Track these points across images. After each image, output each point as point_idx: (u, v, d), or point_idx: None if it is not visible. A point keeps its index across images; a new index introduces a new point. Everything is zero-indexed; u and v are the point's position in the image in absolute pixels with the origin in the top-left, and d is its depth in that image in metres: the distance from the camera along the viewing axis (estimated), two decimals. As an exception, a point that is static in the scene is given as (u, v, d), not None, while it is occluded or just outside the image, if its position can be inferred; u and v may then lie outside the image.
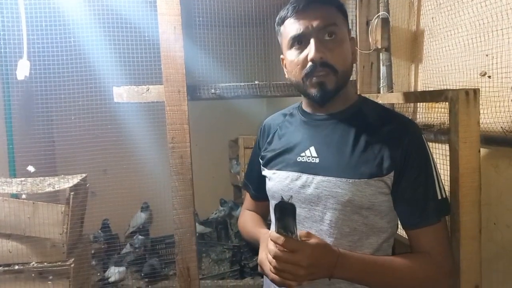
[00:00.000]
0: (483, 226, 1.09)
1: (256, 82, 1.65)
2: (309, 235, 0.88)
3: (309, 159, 1.01)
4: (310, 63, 0.94)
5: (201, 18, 1.76)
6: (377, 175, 0.94)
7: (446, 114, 1.36)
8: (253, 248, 1.37)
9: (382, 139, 0.96)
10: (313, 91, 0.97)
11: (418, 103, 1.65)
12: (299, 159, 1.03)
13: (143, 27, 1.64)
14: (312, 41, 0.94)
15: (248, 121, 3.50)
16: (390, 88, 1.71)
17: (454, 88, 1.13)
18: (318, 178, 0.98)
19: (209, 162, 4.03)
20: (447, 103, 1.15)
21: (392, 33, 1.70)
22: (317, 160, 1.00)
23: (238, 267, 3.16)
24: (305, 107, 1.09)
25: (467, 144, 1.07)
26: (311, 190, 0.99)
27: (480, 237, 1.07)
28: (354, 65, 1.18)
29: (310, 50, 0.94)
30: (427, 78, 1.63)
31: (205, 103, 2.98)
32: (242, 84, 1.64)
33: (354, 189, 0.94)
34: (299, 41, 0.97)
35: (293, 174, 1.02)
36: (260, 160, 1.16)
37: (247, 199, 1.31)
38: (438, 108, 1.48)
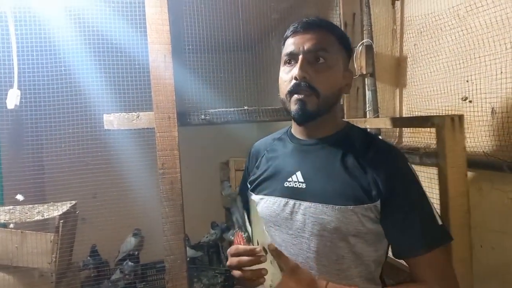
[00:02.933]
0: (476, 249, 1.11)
1: (246, 108, 1.67)
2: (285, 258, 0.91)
3: (296, 184, 1.01)
4: (293, 81, 0.97)
5: (190, 45, 1.80)
6: (363, 202, 0.93)
7: (431, 137, 1.40)
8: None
9: (367, 166, 0.96)
10: (294, 109, 0.99)
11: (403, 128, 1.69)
12: (286, 184, 1.02)
13: (133, 55, 1.67)
14: (299, 61, 0.97)
15: (239, 144, 3.51)
16: (376, 112, 1.75)
17: (439, 115, 1.16)
18: (305, 204, 0.98)
19: (200, 184, 4.02)
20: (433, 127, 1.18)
21: (376, 59, 1.75)
22: (303, 186, 1.00)
23: (230, 292, 3.11)
24: (294, 131, 1.10)
25: (455, 169, 1.10)
26: (299, 217, 0.98)
27: (471, 259, 1.08)
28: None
29: (296, 69, 0.96)
30: (412, 103, 1.67)
31: (195, 127, 3.02)
32: (232, 109, 1.66)
33: (341, 216, 0.94)
34: (290, 60, 1.00)
35: (280, 200, 1.02)
36: (248, 185, 1.16)
37: None
38: (423, 132, 1.51)
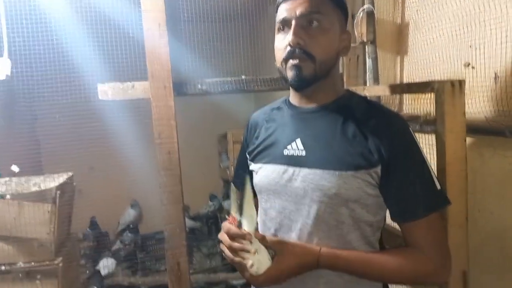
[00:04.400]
0: (468, 214, 1.11)
1: (243, 77, 1.64)
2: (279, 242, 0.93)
3: (295, 152, 1.00)
4: (288, 48, 0.95)
5: (186, 14, 1.74)
6: (364, 168, 0.93)
7: (432, 105, 1.38)
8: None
9: (369, 132, 0.96)
10: (290, 75, 0.97)
11: (404, 95, 1.66)
12: (285, 152, 1.02)
13: (127, 24, 1.62)
14: (292, 26, 0.94)
15: (236, 116, 3.49)
16: (376, 80, 1.72)
17: (440, 80, 1.14)
18: (305, 171, 0.97)
19: (199, 157, 4.02)
20: (432, 94, 1.16)
21: (377, 26, 1.70)
22: (303, 153, 0.99)
23: (229, 261, 3.16)
24: (292, 100, 1.09)
25: (453, 134, 1.09)
26: (298, 184, 0.98)
27: (467, 225, 1.09)
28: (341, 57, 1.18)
29: (289, 35, 0.94)
30: (413, 70, 1.64)
31: (192, 99, 2.97)
32: (229, 79, 1.62)
33: (341, 181, 0.93)
34: (283, 27, 0.98)
35: (279, 168, 1.02)
36: (247, 155, 1.16)
37: (232, 194, 1.30)
38: (423, 99, 1.49)
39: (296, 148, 1.01)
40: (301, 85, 0.99)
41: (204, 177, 4.08)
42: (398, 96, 1.68)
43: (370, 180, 0.94)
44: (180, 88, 1.57)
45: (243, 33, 2.07)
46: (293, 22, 0.94)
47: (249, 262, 0.91)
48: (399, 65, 1.74)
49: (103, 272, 2.79)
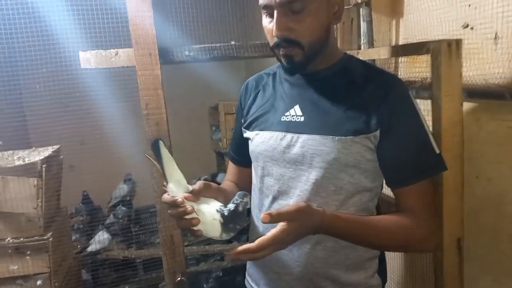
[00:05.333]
0: (465, 180, 1.08)
1: (233, 43, 1.57)
2: (277, 215, 0.84)
3: (293, 118, 0.99)
4: (275, 38, 0.92)
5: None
6: (363, 132, 0.92)
7: (428, 69, 1.34)
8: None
9: (368, 96, 0.94)
10: (283, 61, 0.96)
11: (400, 59, 1.61)
12: (283, 118, 1.00)
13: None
14: (275, 15, 0.90)
15: (227, 87, 3.42)
16: (371, 45, 1.66)
17: (435, 40, 1.09)
18: (304, 136, 0.96)
19: (190, 130, 3.97)
20: (429, 57, 1.11)
21: (372, -13, 1.63)
22: (302, 119, 0.98)
23: (224, 233, 3.17)
24: None
25: (449, 98, 1.05)
26: (296, 150, 0.97)
27: (463, 191, 1.07)
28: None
29: (273, 26, 0.90)
30: (409, 33, 1.58)
31: (180, 70, 2.88)
32: (218, 45, 1.55)
33: (340, 146, 0.92)
34: (266, 12, 0.94)
35: (277, 134, 1.00)
36: (242, 121, 1.13)
37: (230, 168, 1.26)
38: (420, 62, 1.44)
39: (295, 114, 0.99)
40: (295, 71, 0.98)
41: (196, 150, 4.04)
42: (393, 61, 1.62)
43: (369, 144, 0.93)
44: (166, 55, 1.50)
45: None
46: (275, 12, 0.90)
47: (196, 222, 0.86)
48: (394, 28, 1.68)
49: (98, 246, 2.77)
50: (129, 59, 1.43)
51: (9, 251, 1.61)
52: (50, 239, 1.65)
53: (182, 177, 0.92)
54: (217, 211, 0.88)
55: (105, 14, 1.51)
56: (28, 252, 1.62)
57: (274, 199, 1.02)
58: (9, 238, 1.64)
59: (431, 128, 1.06)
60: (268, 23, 0.94)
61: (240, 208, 0.89)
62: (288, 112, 1.00)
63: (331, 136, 0.93)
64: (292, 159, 0.97)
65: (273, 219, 0.83)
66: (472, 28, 1.27)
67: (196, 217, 0.85)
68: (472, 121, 1.22)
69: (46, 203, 1.63)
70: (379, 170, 0.97)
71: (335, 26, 1.56)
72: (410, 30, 1.57)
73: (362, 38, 1.65)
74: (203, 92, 3.95)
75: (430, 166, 0.95)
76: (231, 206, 0.88)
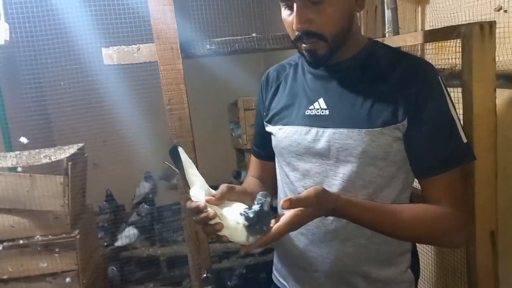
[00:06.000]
0: (501, 171, 1.03)
1: (254, 35, 1.55)
2: (292, 201, 0.80)
3: (318, 112, 0.95)
4: (296, 32, 0.88)
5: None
6: (391, 123, 0.88)
7: (457, 55, 1.28)
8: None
9: (395, 83, 0.90)
10: (306, 55, 0.92)
11: (426, 46, 1.55)
12: (307, 112, 0.97)
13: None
14: (294, 8, 0.86)
15: (246, 82, 3.40)
16: (396, 33, 1.61)
17: (466, 23, 1.04)
18: (329, 130, 0.92)
19: (209, 127, 3.95)
20: (458, 41, 1.07)
21: (396, -27, 1.58)
22: (327, 112, 0.94)
23: (247, 229, 3.16)
24: None
25: (481, 83, 0.99)
26: (322, 144, 0.93)
27: (496, 182, 1.01)
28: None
29: (294, 19, 0.87)
30: (435, 20, 1.52)
31: (199, 67, 2.88)
32: (239, 37, 1.54)
33: (368, 139, 0.88)
34: (285, 4, 0.90)
35: (301, 128, 0.96)
36: (264, 114, 1.09)
37: (252, 162, 1.21)
38: (448, 47, 1.38)
39: (319, 107, 0.95)
40: (319, 65, 0.95)
41: (216, 147, 4.04)
42: (418, 48, 1.57)
43: (398, 134, 0.89)
44: (188, 49, 1.49)
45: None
46: (295, 5, 0.86)
47: (220, 227, 0.82)
48: (420, 15, 1.62)
49: (125, 241, 2.80)
50: (151, 54, 1.43)
51: (38, 248, 1.63)
52: (78, 236, 1.67)
53: (204, 182, 0.89)
54: (241, 214, 0.84)
55: (126, 9, 1.51)
56: (57, 250, 1.65)
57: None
58: (38, 236, 1.66)
59: (461, 117, 1.01)
60: (288, 16, 0.90)
61: (266, 208, 0.84)
62: (312, 106, 0.97)
63: (358, 129, 0.89)
64: (317, 154, 0.94)
65: (293, 204, 0.80)
66: (506, 11, 1.21)
67: (220, 222, 0.82)
68: (509, 109, 1.16)
69: (73, 200, 1.64)
70: (408, 160, 0.93)
71: (358, 14, 1.52)
72: (437, 17, 1.51)
73: (387, 26, 1.60)
74: (222, 89, 3.94)
75: (457, 155, 0.89)
76: (255, 207, 0.83)
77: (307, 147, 0.95)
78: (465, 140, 0.90)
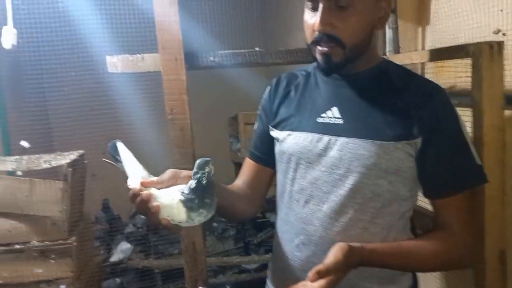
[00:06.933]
0: (508, 189, 1.03)
1: (257, 49, 1.57)
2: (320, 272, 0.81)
3: (331, 120, 0.95)
4: (316, 32, 0.89)
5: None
6: (405, 138, 0.89)
7: (457, 75, 1.30)
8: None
9: (409, 101, 0.91)
10: (319, 59, 0.93)
11: (425, 67, 1.58)
12: (319, 119, 0.96)
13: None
14: (319, 9, 0.88)
15: (247, 97, 3.43)
16: (396, 52, 1.64)
17: (474, 42, 1.06)
18: (342, 139, 0.92)
19: (209, 140, 3.97)
20: (456, 64, 1.08)
21: (398, -6, 1.61)
22: (340, 121, 0.94)
23: (242, 244, 3.14)
24: None
25: (491, 102, 1.01)
26: (334, 153, 0.93)
27: (503, 198, 1.02)
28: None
29: (316, 19, 0.88)
30: (436, 41, 1.56)
31: (202, 82, 2.92)
32: (243, 51, 1.56)
33: (381, 151, 0.89)
34: (311, 5, 0.91)
35: (313, 135, 0.96)
36: (271, 118, 1.08)
37: (246, 168, 1.15)
38: (447, 67, 1.41)
39: (332, 116, 0.95)
40: (330, 72, 0.95)
41: (215, 160, 4.03)
42: (419, 67, 1.59)
43: (410, 151, 0.90)
44: (191, 60, 1.51)
45: (252, 6, 2.00)
46: (320, 5, 0.87)
47: (156, 209, 0.79)
48: (420, 35, 1.65)
49: (121, 256, 2.77)
50: (155, 64, 1.45)
51: (34, 254, 1.62)
52: (74, 243, 1.66)
53: (143, 170, 0.87)
54: (178, 191, 0.79)
55: (132, 19, 1.54)
56: (53, 256, 1.63)
57: (306, 203, 0.97)
58: (34, 242, 1.65)
59: (471, 135, 1.03)
60: (310, 18, 0.91)
61: (204, 181, 0.78)
62: (324, 114, 0.96)
63: (372, 141, 0.89)
64: (328, 163, 0.93)
65: (322, 275, 0.80)
66: (504, 34, 1.23)
67: (156, 204, 0.78)
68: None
69: (71, 207, 1.64)
70: (416, 179, 0.94)
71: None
72: (436, 37, 1.55)
73: (387, 45, 1.63)
74: (223, 103, 3.97)
75: (471, 177, 0.92)
76: (191, 182, 0.78)
77: (318, 155, 0.94)
78: (479, 162, 0.92)
